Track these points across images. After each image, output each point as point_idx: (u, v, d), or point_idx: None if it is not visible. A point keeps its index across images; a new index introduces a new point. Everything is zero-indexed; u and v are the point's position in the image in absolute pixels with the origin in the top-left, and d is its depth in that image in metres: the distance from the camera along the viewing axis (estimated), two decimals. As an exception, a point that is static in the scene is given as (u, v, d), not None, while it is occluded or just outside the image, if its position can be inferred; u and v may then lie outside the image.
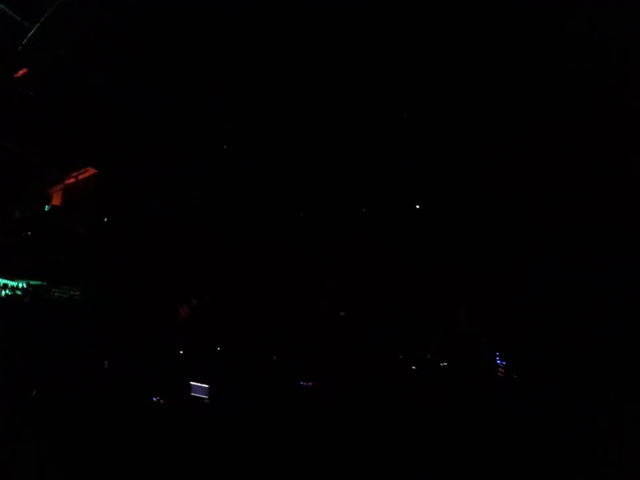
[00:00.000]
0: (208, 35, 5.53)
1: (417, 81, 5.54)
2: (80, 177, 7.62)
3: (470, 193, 5.99)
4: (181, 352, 4.64)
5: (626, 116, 5.03)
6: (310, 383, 4.66)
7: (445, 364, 4.73)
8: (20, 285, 8.24)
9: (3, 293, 7.94)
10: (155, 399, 4.18)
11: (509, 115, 5.47)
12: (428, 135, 5.84)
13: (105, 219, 7.27)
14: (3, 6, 5.11)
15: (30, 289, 8.08)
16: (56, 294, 7.91)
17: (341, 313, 5.52)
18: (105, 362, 4.90)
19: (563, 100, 5.18)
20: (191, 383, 4.13)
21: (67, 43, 5.81)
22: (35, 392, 4.35)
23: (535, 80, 5.18)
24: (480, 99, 5.49)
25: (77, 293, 7.62)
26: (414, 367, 4.79)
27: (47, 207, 8.16)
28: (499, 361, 5.29)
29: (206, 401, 4.03)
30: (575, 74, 5.04)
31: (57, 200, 8.12)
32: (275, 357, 4.92)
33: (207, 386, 4.04)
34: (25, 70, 6.10)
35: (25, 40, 5.79)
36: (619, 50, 4.74)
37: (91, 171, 7.48)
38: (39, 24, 5.69)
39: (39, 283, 8.14)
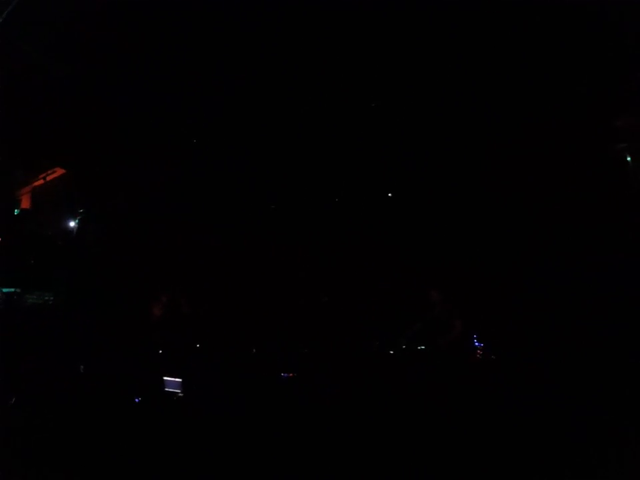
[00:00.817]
0: (186, 23, 5.43)
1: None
2: (48, 178, 7.43)
3: (446, 181, 6.05)
4: (157, 349, 4.56)
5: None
6: (290, 374, 4.64)
7: (422, 347, 4.75)
8: (-8, 292, 8.01)
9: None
10: (137, 399, 4.12)
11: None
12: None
13: (76, 221, 7.11)
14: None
15: (2, 296, 7.86)
16: (29, 300, 7.71)
17: (319, 302, 5.52)
18: (81, 366, 4.81)
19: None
20: (165, 378, 4.06)
21: (32, 37, 5.64)
22: (13, 399, 4.26)
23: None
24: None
25: (51, 298, 7.45)
26: (391, 352, 4.80)
27: (16, 210, 7.94)
28: (476, 343, 5.36)
29: (179, 395, 3.98)
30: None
31: (26, 203, 7.89)
32: (254, 350, 4.89)
33: (180, 380, 3.98)
34: None
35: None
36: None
37: (60, 171, 7.30)
38: (0, 19, 5.51)
39: (11, 290, 7.93)
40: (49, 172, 7.28)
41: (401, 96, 5.69)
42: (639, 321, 4.57)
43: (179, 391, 3.98)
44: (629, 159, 5.32)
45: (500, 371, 4.96)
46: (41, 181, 7.49)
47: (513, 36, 5.01)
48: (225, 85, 5.76)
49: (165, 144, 6.37)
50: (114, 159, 6.64)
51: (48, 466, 3.38)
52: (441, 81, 5.48)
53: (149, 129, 6.27)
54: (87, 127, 6.34)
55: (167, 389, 4.04)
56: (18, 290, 7.78)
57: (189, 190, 6.38)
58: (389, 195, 6.25)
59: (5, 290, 7.86)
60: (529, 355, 4.92)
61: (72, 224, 7.18)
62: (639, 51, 4.75)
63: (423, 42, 5.20)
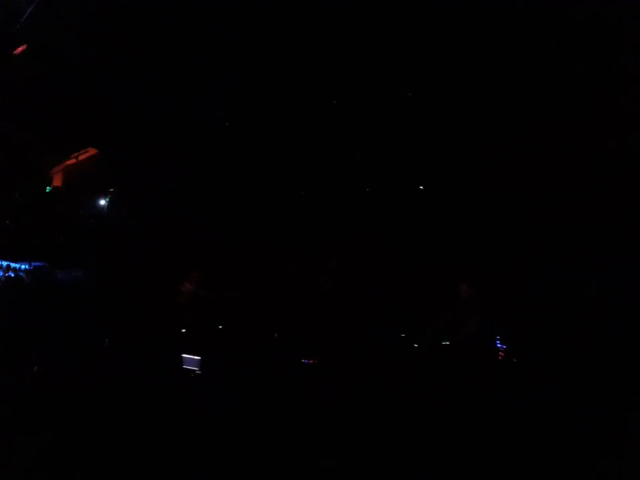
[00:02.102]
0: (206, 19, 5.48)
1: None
2: (80, 158, 7.61)
3: (465, 183, 5.96)
4: (179, 327, 4.62)
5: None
6: (312, 361, 4.63)
7: (447, 343, 4.67)
8: (22, 267, 8.28)
9: (5, 274, 7.99)
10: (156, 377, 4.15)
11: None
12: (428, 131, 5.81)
13: (106, 200, 7.26)
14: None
15: (32, 270, 8.12)
16: (58, 275, 7.95)
17: (344, 293, 5.49)
18: (105, 341, 4.91)
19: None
20: (184, 355, 4.11)
21: (66, 23, 5.78)
22: (36, 369, 4.37)
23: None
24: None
25: (80, 274, 7.65)
26: (416, 345, 4.74)
27: (48, 188, 8.16)
28: (499, 344, 5.25)
29: (197, 372, 4.01)
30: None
31: (57, 181, 8.11)
32: (275, 334, 4.90)
33: (199, 358, 4.02)
34: (24, 47, 6.06)
35: (23, 18, 5.76)
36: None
37: (92, 151, 7.46)
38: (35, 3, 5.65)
39: (40, 264, 8.18)
40: (82, 151, 7.46)
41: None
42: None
43: (197, 368, 4.02)
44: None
45: (520, 373, 4.86)
46: (73, 160, 7.69)
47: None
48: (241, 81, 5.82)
49: (194, 129, 6.44)
50: (146, 142, 6.75)
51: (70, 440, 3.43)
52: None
53: (179, 114, 6.35)
54: (120, 109, 6.46)
55: (185, 367, 4.09)
56: (47, 265, 8.03)
57: (218, 175, 6.43)
58: (417, 188, 6.17)
59: (34, 264, 8.13)
60: (550, 358, 4.81)
61: (102, 203, 7.35)
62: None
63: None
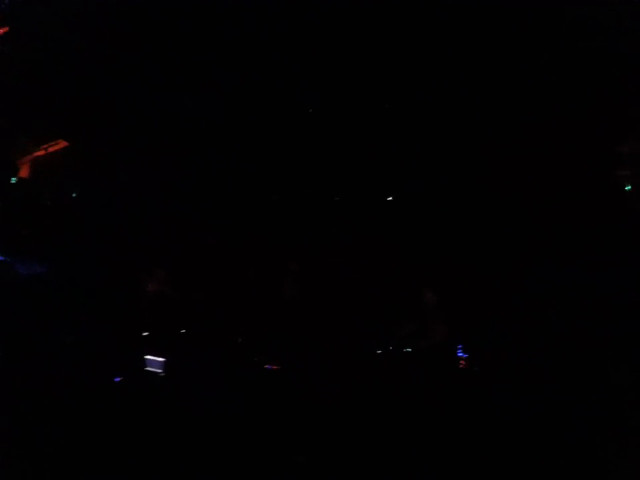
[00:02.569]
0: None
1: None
2: (50, 149, 7.38)
3: (436, 179, 6.05)
4: (142, 328, 4.55)
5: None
6: (275, 367, 4.64)
7: (409, 350, 4.77)
8: (-18, 260, 7.95)
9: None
10: (117, 379, 4.10)
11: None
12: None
13: (74, 194, 7.07)
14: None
15: (-7, 264, 7.80)
16: (20, 270, 7.67)
17: (307, 298, 5.52)
18: (67, 339, 4.79)
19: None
20: (146, 357, 4.04)
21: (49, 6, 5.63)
22: None
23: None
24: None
25: (43, 269, 7.41)
26: (379, 352, 4.82)
27: (13, 179, 7.87)
28: (460, 353, 5.37)
29: (161, 374, 3.96)
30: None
31: (24, 172, 7.84)
32: (240, 339, 4.88)
33: (163, 359, 3.97)
34: (6, 29, 5.88)
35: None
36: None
37: (62, 144, 7.25)
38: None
39: (2, 258, 7.87)
40: (52, 143, 7.23)
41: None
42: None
43: (160, 370, 3.97)
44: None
45: (482, 382, 4.98)
46: (42, 152, 7.44)
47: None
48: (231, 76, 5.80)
49: (169, 124, 6.35)
50: (119, 137, 6.61)
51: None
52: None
53: (156, 109, 6.26)
54: (94, 101, 6.32)
55: (148, 368, 4.03)
56: (8, 259, 7.74)
57: (189, 174, 6.36)
58: (382, 195, 6.25)
59: (-4, 258, 7.81)
60: (514, 368, 4.93)
61: (70, 197, 7.14)
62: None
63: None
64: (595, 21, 4.80)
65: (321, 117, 6.04)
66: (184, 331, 4.64)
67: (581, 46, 4.99)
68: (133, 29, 5.83)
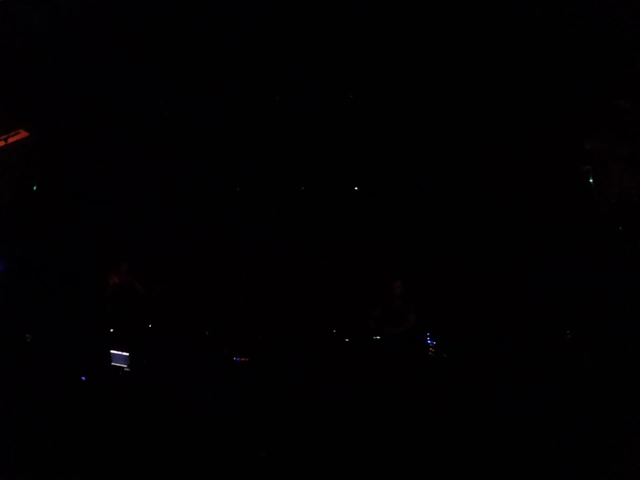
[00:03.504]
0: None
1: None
2: (10, 140, 7.08)
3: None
4: (106, 323, 4.46)
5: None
6: (243, 359, 4.63)
7: (378, 337, 4.83)
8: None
9: None
10: (83, 378, 4.01)
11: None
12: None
13: (35, 187, 6.82)
14: None
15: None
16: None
17: (276, 288, 5.52)
18: (28, 336, 4.65)
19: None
20: (111, 351, 3.98)
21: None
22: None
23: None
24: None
25: (4, 265, 7.14)
26: (347, 340, 4.86)
27: (-29, 171, 7.52)
28: (429, 341, 5.48)
29: (126, 369, 3.90)
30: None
31: (-18, 164, 7.49)
32: (207, 332, 4.84)
33: (127, 354, 3.91)
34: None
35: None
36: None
37: (23, 134, 6.96)
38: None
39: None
40: (12, 133, 6.94)
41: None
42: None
43: (125, 365, 3.91)
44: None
45: (449, 369, 5.09)
46: (2, 143, 7.14)
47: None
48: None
49: (137, 112, 6.18)
50: (83, 126, 6.39)
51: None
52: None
53: (122, 96, 6.07)
54: (58, 90, 6.08)
55: (113, 363, 3.96)
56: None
57: (153, 161, 6.20)
58: (356, 188, 6.29)
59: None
60: (482, 355, 5.05)
61: (31, 190, 6.88)
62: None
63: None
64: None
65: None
66: (149, 324, 4.57)
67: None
68: (98, 13, 5.60)
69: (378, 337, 4.88)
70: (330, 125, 6.04)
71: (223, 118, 6.09)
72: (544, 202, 5.44)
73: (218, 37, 5.50)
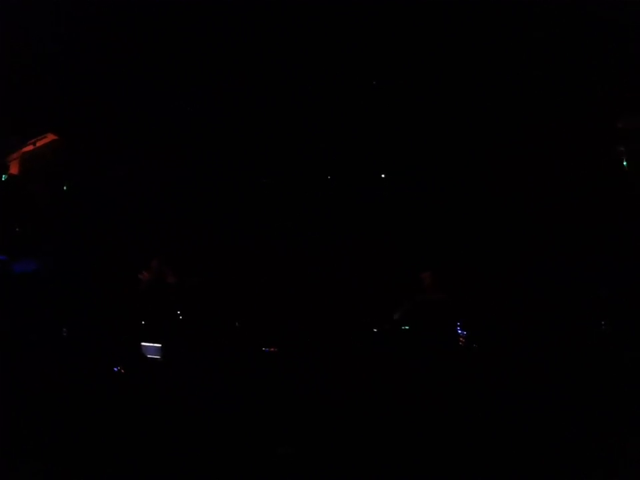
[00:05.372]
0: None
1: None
2: (39, 144, 7.29)
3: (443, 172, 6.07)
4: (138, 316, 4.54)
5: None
6: (272, 349, 4.64)
7: (407, 327, 4.77)
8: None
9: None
10: (116, 369, 4.09)
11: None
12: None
13: (65, 188, 7.01)
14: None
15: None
16: (17, 268, 7.63)
17: (305, 279, 5.53)
18: (64, 329, 4.79)
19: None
20: (143, 343, 4.04)
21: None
22: None
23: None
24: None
25: (39, 265, 7.37)
26: (375, 330, 4.83)
27: (3, 176, 7.79)
28: (460, 331, 5.40)
29: (158, 360, 3.96)
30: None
31: (14, 169, 7.75)
32: (237, 322, 4.88)
33: (159, 345, 3.97)
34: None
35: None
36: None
37: (51, 137, 7.17)
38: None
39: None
40: (40, 137, 7.14)
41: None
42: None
43: (158, 356, 3.96)
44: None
45: (481, 360, 5.01)
46: (31, 147, 7.36)
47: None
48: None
49: (160, 115, 6.30)
50: (108, 128, 6.54)
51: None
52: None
53: (144, 100, 6.20)
54: (82, 91, 6.24)
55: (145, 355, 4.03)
56: (4, 258, 7.70)
57: (181, 164, 6.33)
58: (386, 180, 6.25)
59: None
60: (512, 347, 4.96)
61: (62, 192, 7.09)
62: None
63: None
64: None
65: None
66: (181, 316, 4.63)
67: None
68: (119, 21, 5.74)
69: (407, 327, 4.82)
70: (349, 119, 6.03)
71: (245, 116, 6.16)
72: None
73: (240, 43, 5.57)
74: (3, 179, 7.81)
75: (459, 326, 5.31)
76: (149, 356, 4.03)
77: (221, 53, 5.73)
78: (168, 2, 5.40)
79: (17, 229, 7.54)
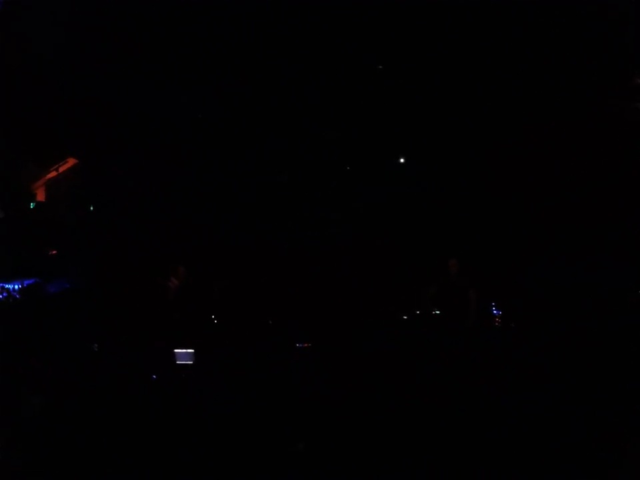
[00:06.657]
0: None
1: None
2: (61, 169, 7.53)
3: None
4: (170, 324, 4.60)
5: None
6: (305, 344, 4.62)
7: (437, 312, 4.68)
8: (15, 287, 8.22)
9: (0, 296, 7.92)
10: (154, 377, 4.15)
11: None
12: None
13: (91, 208, 7.20)
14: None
15: (26, 288, 8.06)
16: (51, 289, 7.90)
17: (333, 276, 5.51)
18: (95, 345, 4.89)
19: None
20: (176, 350, 4.09)
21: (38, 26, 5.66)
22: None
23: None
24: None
25: (72, 287, 7.61)
26: (405, 317, 4.75)
27: (32, 204, 8.08)
28: (495, 311, 5.29)
29: (191, 365, 3.99)
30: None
31: (40, 196, 8.04)
32: (269, 321, 4.89)
33: (192, 351, 4.00)
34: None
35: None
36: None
37: (72, 162, 7.39)
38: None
39: (33, 281, 8.13)
40: (61, 163, 7.37)
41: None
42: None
43: (190, 362, 4.00)
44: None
45: (518, 337, 4.86)
46: (54, 173, 7.60)
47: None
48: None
49: (177, 132, 6.39)
50: (125, 147, 6.68)
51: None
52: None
53: (160, 118, 6.30)
54: (97, 114, 6.38)
55: (178, 361, 4.07)
56: (39, 281, 7.98)
57: (202, 177, 6.42)
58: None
59: (27, 282, 8.07)
60: (546, 325, 4.80)
61: (86, 213, 7.29)
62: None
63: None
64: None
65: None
66: (214, 319, 4.67)
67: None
68: (135, 39, 5.83)
69: (437, 312, 4.72)
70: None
71: (265, 120, 6.19)
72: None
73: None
74: (31, 207, 8.12)
75: (493, 306, 5.20)
76: (181, 362, 4.07)
77: (235, 65, 5.77)
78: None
79: (48, 252, 7.82)
